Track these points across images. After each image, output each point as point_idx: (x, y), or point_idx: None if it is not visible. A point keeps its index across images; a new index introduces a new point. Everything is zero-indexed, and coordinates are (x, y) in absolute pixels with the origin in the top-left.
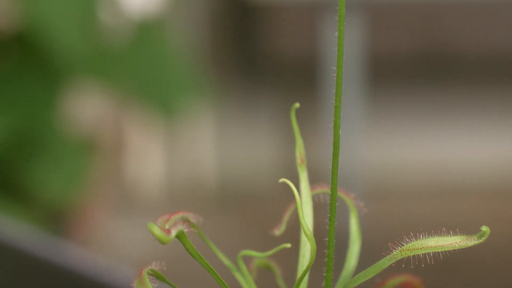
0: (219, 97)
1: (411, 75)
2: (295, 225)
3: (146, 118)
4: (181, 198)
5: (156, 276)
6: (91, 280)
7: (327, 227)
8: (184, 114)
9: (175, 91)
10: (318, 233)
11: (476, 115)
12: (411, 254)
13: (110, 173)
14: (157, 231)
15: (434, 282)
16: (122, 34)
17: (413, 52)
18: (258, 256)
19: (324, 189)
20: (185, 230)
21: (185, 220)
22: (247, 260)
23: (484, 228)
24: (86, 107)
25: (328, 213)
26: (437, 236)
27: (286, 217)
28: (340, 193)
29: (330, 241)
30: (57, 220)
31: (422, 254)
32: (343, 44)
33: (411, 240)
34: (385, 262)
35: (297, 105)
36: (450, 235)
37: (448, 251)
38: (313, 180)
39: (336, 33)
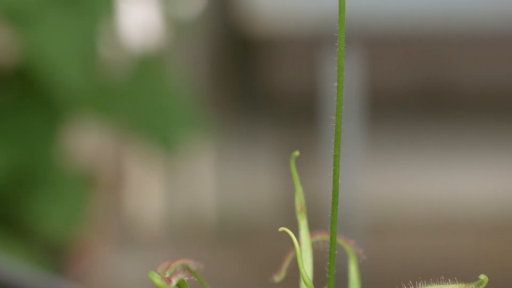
0: (219, 132)
1: (411, 110)
2: (294, 268)
3: (145, 153)
4: (181, 232)
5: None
6: None
7: (327, 274)
8: (183, 148)
9: (175, 126)
10: (318, 280)
11: (476, 150)
12: None
13: (109, 207)
14: (157, 280)
15: None
16: (122, 69)
17: (413, 86)
18: None
19: (323, 236)
20: (186, 278)
21: (186, 268)
22: None
23: (482, 277)
24: (86, 142)
25: (327, 260)
26: (436, 284)
27: (286, 263)
28: (340, 240)
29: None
30: (56, 255)
31: None
32: (343, 79)
33: None
34: None
35: (296, 153)
36: (449, 283)
37: None
38: (313, 215)
39: (336, 68)
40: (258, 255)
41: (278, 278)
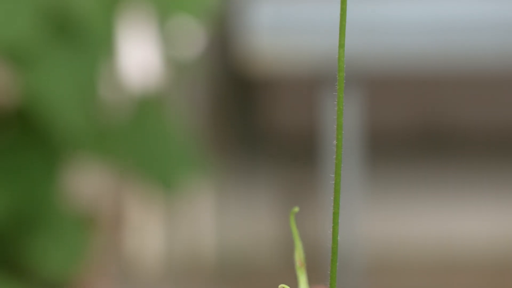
0: (218, 171)
1: (411, 150)
2: None
3: (145, 194)
4: (181, 273)
5: None
6: None
7: None
8: (183, 189)
9: (175, 166)
10: None
11: (476, 190)
12: None
13: (109, 247)
14: None
15: None
16: (122, 110)
17: (413, 126)
18: None
19: None
20: None
21: None
22: None
23: None
24: (86, 182)
25: None
26: None
27: None
28: None
29: None
30: None
31: None
32: (343, 119)
33: None
34: None
35: (296, 209)
36: None
37: None
38: (312, 258)
39: (336, 108)
40: None
41: None
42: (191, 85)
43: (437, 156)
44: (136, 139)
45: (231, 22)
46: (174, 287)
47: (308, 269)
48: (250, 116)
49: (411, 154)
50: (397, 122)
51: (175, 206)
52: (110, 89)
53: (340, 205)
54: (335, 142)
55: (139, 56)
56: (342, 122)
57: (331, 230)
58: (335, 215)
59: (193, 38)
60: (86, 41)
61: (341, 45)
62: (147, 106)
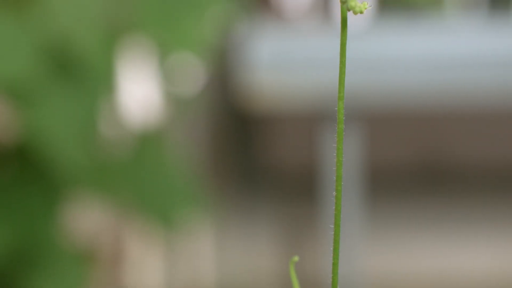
0: (219, 207)
1: (411, 186)
2: None
3: (145, 229)
4: None
5: None
6: None
7: None
8: (183, 225)
9: (174, 203)
10: None
11: (477, 226)
12: None
13: (109, 284)
14: None
15: None
16: (122, 146)
17: (413, 163)
18: None
19: None
20: None
21: None
22: None
23: None
24: (86, 218)
25: None
26: None
27: None
28: None
29: None
30: None
31: None
32: (342, 155)
33: None
34: None
35: (296, 258)
36: None
37: None
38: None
39: (335, 144)
40: None
41: None
42: (191, 121)
43: (437, 192)
44: (136, 175)
45: (231, 58)
46: None
47: None
48: (250, 152)
49: (410, 190)
50: (397, 158)
51: (175, 241)
52: (110, 125)
53: (340, 240)
54: (335, 178)
55: (139, 92)
56: (342, 158)
57: (331, 265)
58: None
59: (193, 74)
60: (86, 78)
61: (340, 97)
62: (147, 142)
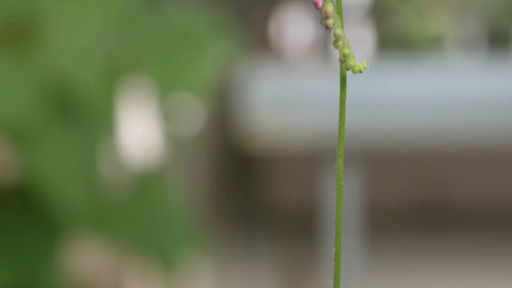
0: (218, 247)
1: (411, 226)
2: None
3: (145, 269)
4: None
5: None
6: None
7: None
8: (183, 265)
9: (174, 244)
10: None
11: (477, 266)
12: None
13: None
14: None
15: None
16: (122, 187)
17: (413, 202)
18: None
19: None
20: None
21: None
22: None
23: None
24: (86, 259)
25: None
26: None
27: None
28: None
29: None
30: None
31: None
32: (342, 195)
33: None
34: None
35: None
36: None
37: None
38: None
39: (335, 184)
40: None
41: None
42: (191, 161)
43: (436, 232)
44: (136, 216)
45: (231, 97)
46: None
47: None
48: (250, 192)
49: (410, 229)
50: (396, 198)
51: (174, 281)
52: (110, 166)
53: (340, 280)
54: (334, 217)
55: (139, 132)
56: (342, 197)
57: None
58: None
59: (193, 114)
60: (86, 119)
61: (340, 155)
62: (147, 183)
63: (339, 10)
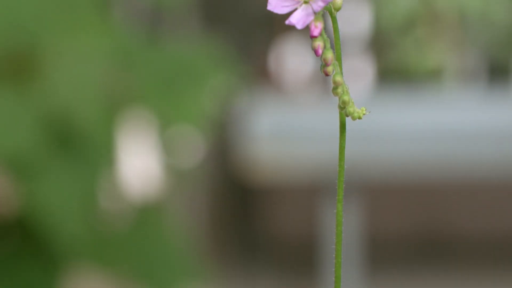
0: (218, 279)
1: (411, 257)
2: None
3: None
4: None
5: None
6: None
7: None
8: None
9: (174, 275)
10: None
11: None
12: None
13: None
14: None
15: None
16: (122, 219)
17: (412, 234)
18: None
19: None
20: None
21: None
22: None
23: None
24: None
25: None
26: None
27: None
28: None
29: None
30: None
31: None
32: (342, 226)
33: None
34: None
35: None
36: None
37: None
38: None
39: (335, 215)
40: None
41: None
42: (191, 193)
43: (436, 262)
44: (136, 248)
45: (231, 129)
46: None
47: None
48: (250, 223)
49: (410, 260)
50: (397, 229)
51: None
52: (110, 197)
53: None
54: (334, 248)
55: (139, 164)
56: (341, 229)
57: None
58: None
59: (193, 146)
60: (86, 151)
61: (339, 200)
62: (146, 214)
63: (338, 57)
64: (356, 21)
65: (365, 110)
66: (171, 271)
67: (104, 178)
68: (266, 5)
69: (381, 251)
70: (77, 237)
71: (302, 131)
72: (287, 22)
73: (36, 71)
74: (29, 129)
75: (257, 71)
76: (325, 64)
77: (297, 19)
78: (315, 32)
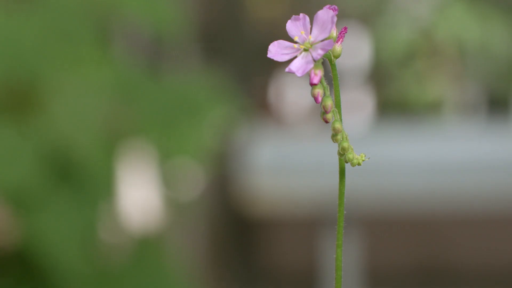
0: None
1: None
2: None
3: None
4: None
5: None
6: None
7: None
8: None
9: None
10: None
11: None
12: None
13: None
14: None
15: None
16: (122, 251)
17: (413, 265)
18: None
19: None
20: None
21: None
22: None
23: None
24: None
25: None
26: None
27: None
28: None
29: None
30: None
31: None
32: (342, 258)
33: None
34: None
35: None
36: None
37: None
38: None
39: (335, 248)
40: None
41: None
42: (191, 225)
43: None
44: (136, 280)
45: (231, 162)
46: None
47: None
48: (250, 256)
49: None
50: (397, 261)
51: None
52: (110, 230)
53: None
54: (334, 282)
55: (139, 196)
56: (341, 261)
57: None
58: None
59: (193, 178)
60: (86, 184)
61: (339, 245)
62: (146, 247)
63: (337, 104)
64: (356, 53)
65: (364, 156)
66: None
67: (104, 211)
68: (265, 37)
69: (381, 284)
70: (76, 270)
71: (302, 163)
72: (286, 69)
73: (37, 105)
74: (29, 162)
75: (257, 103)
76: (324, 112)
77: (297, 67)
78: (315, 79)
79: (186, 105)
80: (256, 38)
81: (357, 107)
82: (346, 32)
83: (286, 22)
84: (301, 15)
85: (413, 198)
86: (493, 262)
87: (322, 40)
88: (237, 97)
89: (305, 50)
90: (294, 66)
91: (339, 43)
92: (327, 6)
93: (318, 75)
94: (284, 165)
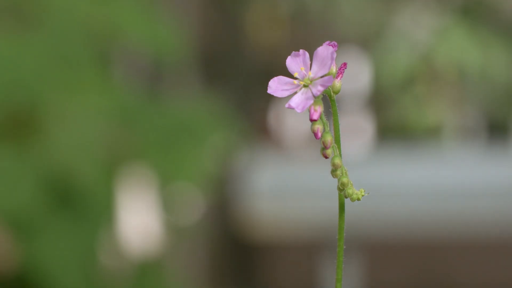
0: None
1: None
2: None
3: None
4: None
5: None
6: None
7: None
8: None
9: None
10: None
11: None
12: None
13: None
14: None
15: None
16: (122, 276)
17: None
18: None
19: None
20: None
21: None
22: None
23: None
24: None
25: None
26: None
27: None
28: None
29: None
30: None
31: None
32: (341, 283)
33: None
34: None
35: None
36: None
37: None
38: None
39: (335, 273)
40: None
41: None
42: (191, 249)
43: None
44: None
45: (230, 186)
46: None
47: None
48: (249, 280)
49: None
50: (397, 286)
51: None
52: (110, 254)
53: None
54: None
55: (139, 221)
56: (341, 285)
57: None
58: None
59: (193, 202)
60: (86, 209)
61: (338, 280)
62: (146, 271)
63: (337, 140)
64: (356, 78)
65: (364, 191)
66: None
67: (104, 235)
68: (265, 62)
69: None
70: None
71: (301, 188)
72: (286, 105)
73: (37, 129)
74: (29, 187)
75: (256, 128)
76: (324, 147)
77: (297, 103)
78: (315, 115)
79: (186, 130)
80: (256, 63)
81: (357, 131)
82: (345, 68)
83: (286, 47)
84: (301, 51)
85: (413, 222)
86: (492, 285)
87: (322, 76)
88: (237, 122)
89: (305, 86)
90: (294, 102)
91: (338, 79)
92: (327, 42)
93: (318, 111)
94: (283, 189)
